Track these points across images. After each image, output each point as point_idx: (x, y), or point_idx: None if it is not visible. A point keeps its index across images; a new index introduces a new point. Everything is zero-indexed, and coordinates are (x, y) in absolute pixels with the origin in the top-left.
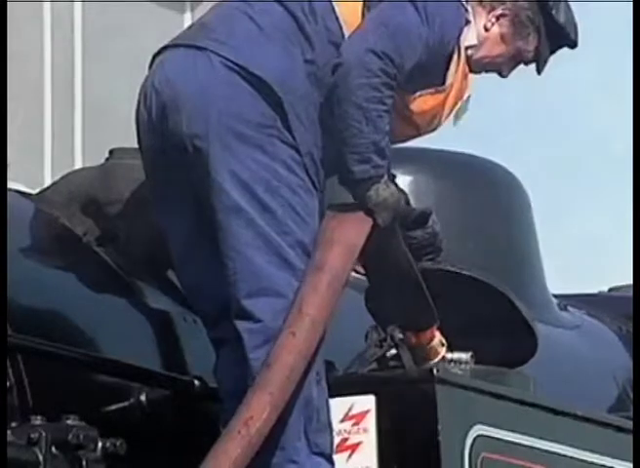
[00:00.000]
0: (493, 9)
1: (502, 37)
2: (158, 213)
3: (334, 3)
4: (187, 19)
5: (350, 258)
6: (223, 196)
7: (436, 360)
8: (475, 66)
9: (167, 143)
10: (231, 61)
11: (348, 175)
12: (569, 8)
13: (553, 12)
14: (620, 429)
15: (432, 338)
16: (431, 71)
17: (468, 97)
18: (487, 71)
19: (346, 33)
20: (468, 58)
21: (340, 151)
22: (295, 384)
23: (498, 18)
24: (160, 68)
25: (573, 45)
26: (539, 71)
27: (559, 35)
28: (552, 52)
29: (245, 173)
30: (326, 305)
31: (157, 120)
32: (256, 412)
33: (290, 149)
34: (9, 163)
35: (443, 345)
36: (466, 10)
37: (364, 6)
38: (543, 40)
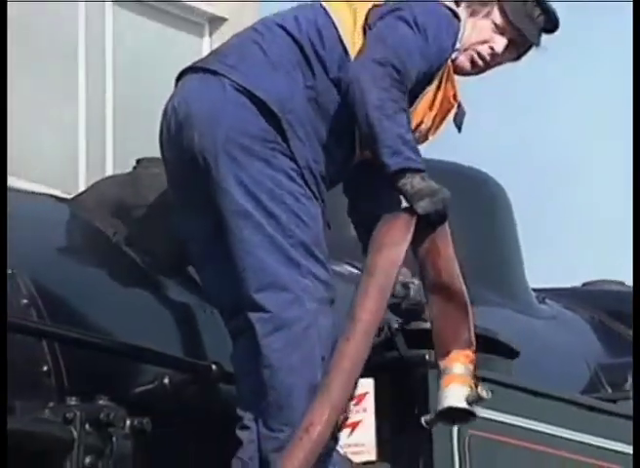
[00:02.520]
0: (459, 3)
1: (471, 15)
2: (178, 217)
3: (341, 34)
4: (206, 43)
5: (398, 259)
6: (233, 203)
7: (451, 387)
8: (460, 62)
9: (183, 156)
10: (240, 85)
11: (385, 170)
12: None
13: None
14: (592, 408)
15: (457, 361)
16: (426, 80)
17: (459, 102)
18: (474, 67)
19: (348, 45)
20: (453, 60)
21: (375, 151)
22: (352, 387)
23: (465, 7)
24: (180, 89)
25: (543, 2)
26: (534, 43)
27: (535, 20)
28: (539, 27)
29: (251, 182)
30: (377, 308)
31: (175, 135)
32: (315, 418)
33: (290, 161)
34: (48, 172)
35: (466, 375)
36: (456, 15)
37: (366, 23)
38: (507, 5)
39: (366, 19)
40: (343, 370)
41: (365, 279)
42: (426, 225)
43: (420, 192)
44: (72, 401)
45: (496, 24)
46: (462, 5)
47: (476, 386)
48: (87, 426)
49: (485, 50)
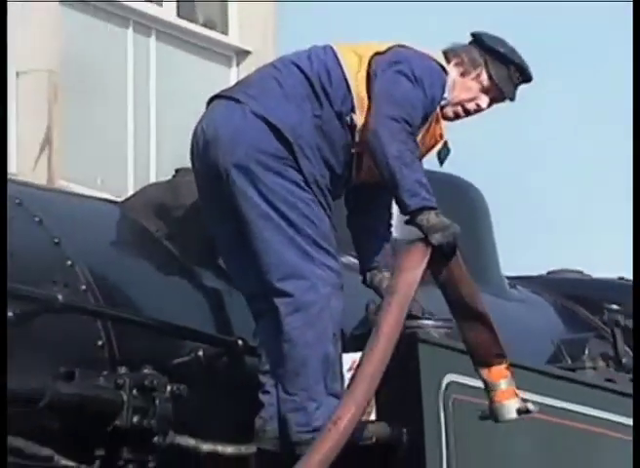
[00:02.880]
0: (450, 60)
1: (462, 75)
2: (207, 219)
3: (346, 75)
4: (234, 73)
5: (414, 281)
6: (254, 209)
7: (505, 403)
8: (447, 111)
9: (210, 171)
10: (258, 113)
11: (405, 209)
12: (511, 46)
13: (494, 47)
14: (556, 376)
15: (501, 377)
16: (421, 123)
17: (445, 141)
18: (461, 116)
19: (352, 86)
20: (442, 108)
21: (396, 195)
22: (374, 389)
23: (455, 65)
24: (209, 113)
25: (523, 68)
26: (511, 99)
27: (506, 61)
28: (515, 85)
29: (268, 191)
30: (397, 321)
31: (203, 153)
32: (343, 414)
33: (299, 175)
34: (101, 180)
35: (512, 387)
36: (444, 69)
37: (368, 78)
38: (493, 69)
39: (369, 64)
40: (367, 375)
41: (387, 297)
42: (440, 254)
43: (434, 227)
44: (122, 370)
45: (482, 85)
46: (452, 61)
47: (518, 395)
48: (134, 391)
49: (472, 106)
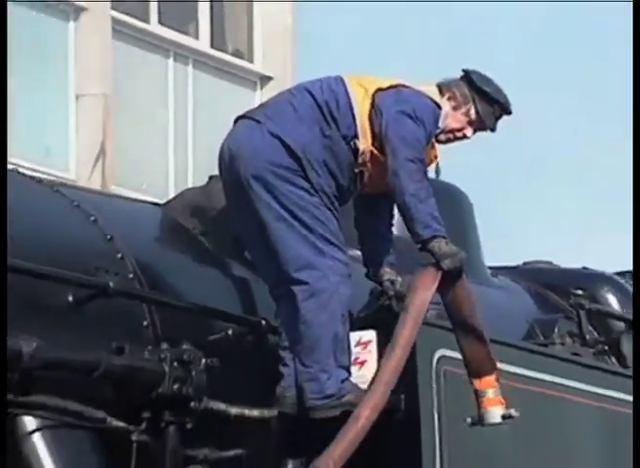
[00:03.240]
0: (444, 94)
1: (454, 109)
2: (233, 220)
3: (353, 104)
4: (258, 95)
5: (427, 300)
6: (271, 212)
7: (491, 409)
8: (440, 137)
9: (234, 181)
10: (274, 133)
11: (419, 238)
12: (496, 84)
13: (482, 87)
14: (530, 351)
15: (489, 387)
16: None
17: (437, 162)
18: (451, 141)
19: (357, 115)
20: (436, 136)
21: (411, 225)
22: (389, 391)
23: (448, 98)
24: (234, 131)
25: (505, 106)
26: (492, 130)
27: (491, 100)
28: (497, 118)
29: (283, 197)
30: (411, 334)
31: (228, 164)
32: (362, 413)
33: (308, 184)
34: (146, 185)
35: (498, 396)
36: (438, 105)
37: (371, 109)
38: (480, 107)
39: (373, 97)
40: (384, 381)
41: (403, 314)
42: (449, 277)
43: (445, 254)
44: (164, 346)
45: (470, 119)
46: (446, 95)
47: (503, 403)
48: (174, 363)
49: (459, 134)
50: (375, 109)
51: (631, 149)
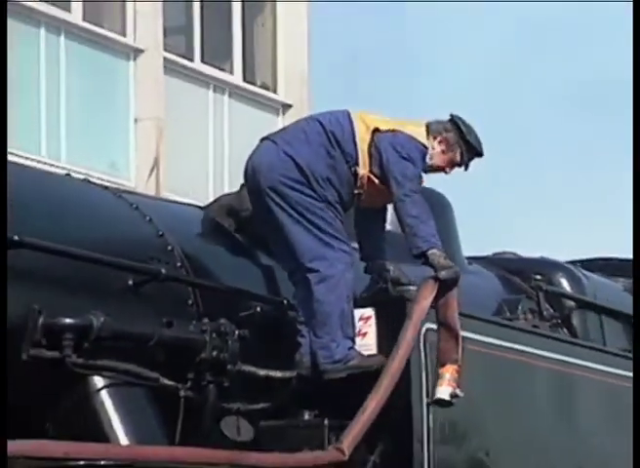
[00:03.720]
0: (435, 138)
1: (443, 152)
2: (257, 220)
3: (355, 136)
4: (280, 120)
5: (426, 307)
6: (287, 215)
7: (443, 388)
8: (427, 171)
9: (255, 189)
10: (288, 153)
11: (419, 251)
12: (476, 134)
13: (467, 137)
14: (499, 324)
15: (448, 372)
16: None
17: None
18: (434, 172)
19: (359, 146)
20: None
21: (413, 241)
22: (394, 383)
23: (439, 142)
24: (256, 150)
25: (480, 155)
26: (466, 169)
27: (471, 149)
28: (470, 158)
29: (295, 204)
30: (413, 336)
31: (251, 176)
32: (369, 406)
33: (314, 194)
34: (191, 191)
35: (455, 382)
36: (425, 146)
37: (371, 143)
38: (464, 152)
39: (372, 134)
40: (390, 373)
41: (407, 320)
42: (444, 286)
43: (442, 266)
44: (205, 320)
45: (454, 162)
46: (437, 138)
47: (457, 387)
48: (213, 334)
49: (441, 170)
50: (374, 145)
51: (631, 150)
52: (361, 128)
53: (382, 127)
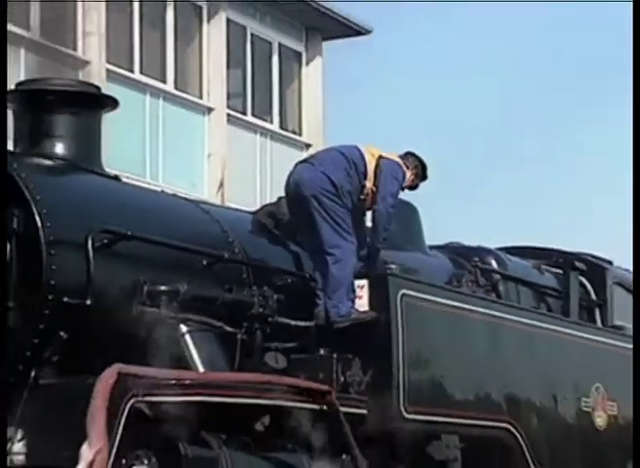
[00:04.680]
0: (409, 167)
1: (412, 180)
2: (294, 219)
3: (366, 161)
4: (304, 154)
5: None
6: (320, 215)
7: None
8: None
9: (298, 197)
10: (323, 172)
11: (382, 238)
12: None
13: (425, 170)
14: (450, 290)
15: None
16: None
17: None
18: (402, 190)
19: (368, 167)
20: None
21: (380, 233)
22: None
23: (412, 171)
24: (297, 170)
25: (426, 179)
26: (416, 189)
27: (424, 178)
28: (421, 182)
29: (327, 208)
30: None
31: (293, 188)
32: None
33: (340, 201)
34: (246, 202)
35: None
36: (405, 173)
37: (376, 166)
38: (419, 179)
39: (377, 160)
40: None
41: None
42: None
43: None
44: (254, 287)
45: (412, 184)
46: (411, 169)
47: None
48: (260, 297)
49: (404, 189)
50: (379, 168)
51: (631, 150)
52: (369, 155)
53: (384, 155)
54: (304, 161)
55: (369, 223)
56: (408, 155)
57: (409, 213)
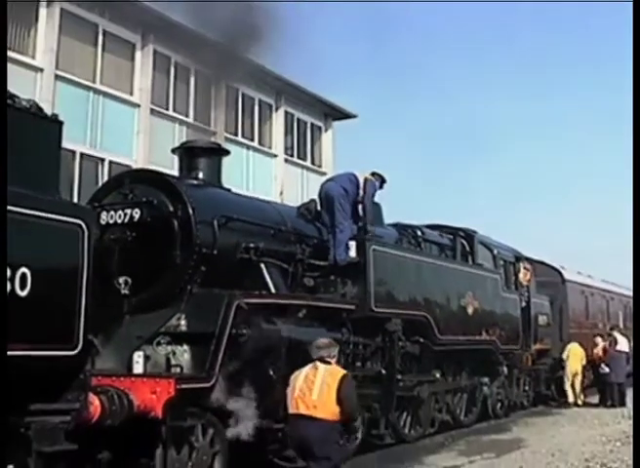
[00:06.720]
0: (376, 180)
1: (379, 184)
2: (324, 210)
3: (359, 181)
4: (323, 179)
5: None
6: (338, 209)
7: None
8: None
9: (326, 198)
10: (342, 186)
11: (366, 220)
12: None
13: (383, 182)
14: (400, 249)
15: None
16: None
17: None
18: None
19: (361, 183)
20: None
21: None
22: None
23: (378, 181)
24: (325, 183)
25: (384, 184)
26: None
27: (383, 183)
28: (380, 187)
29: (343, 205)
30: None
31: (325, 194)
32: None
33: (349, 201)
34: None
35: None
36: (375, 184)
37: (365, 180)
38: (381, 184)
39: (365, 179)
40: None
41: None
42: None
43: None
44: (297, 244)
45: (378, 189)
46: (376, 180)
47: None
48: (300, 248)
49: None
50: (366, 183)
51: (631, 150)
52: (361, 177)
53: (367, 176)
54: (329, 180)
55: (361, 213)
56: (375, 174)
57: (377, 207)
